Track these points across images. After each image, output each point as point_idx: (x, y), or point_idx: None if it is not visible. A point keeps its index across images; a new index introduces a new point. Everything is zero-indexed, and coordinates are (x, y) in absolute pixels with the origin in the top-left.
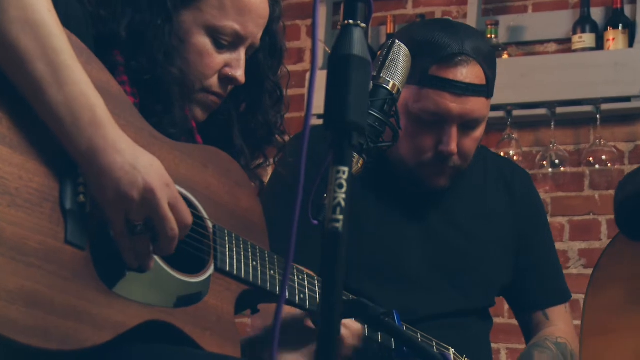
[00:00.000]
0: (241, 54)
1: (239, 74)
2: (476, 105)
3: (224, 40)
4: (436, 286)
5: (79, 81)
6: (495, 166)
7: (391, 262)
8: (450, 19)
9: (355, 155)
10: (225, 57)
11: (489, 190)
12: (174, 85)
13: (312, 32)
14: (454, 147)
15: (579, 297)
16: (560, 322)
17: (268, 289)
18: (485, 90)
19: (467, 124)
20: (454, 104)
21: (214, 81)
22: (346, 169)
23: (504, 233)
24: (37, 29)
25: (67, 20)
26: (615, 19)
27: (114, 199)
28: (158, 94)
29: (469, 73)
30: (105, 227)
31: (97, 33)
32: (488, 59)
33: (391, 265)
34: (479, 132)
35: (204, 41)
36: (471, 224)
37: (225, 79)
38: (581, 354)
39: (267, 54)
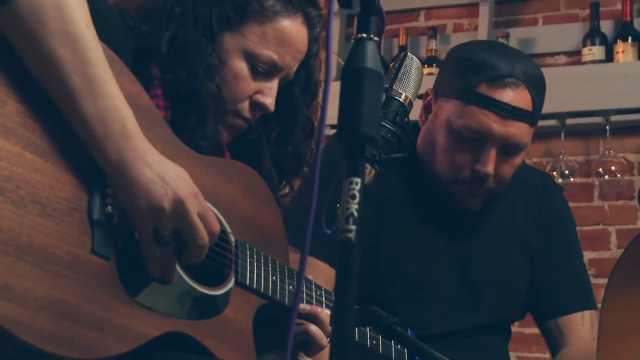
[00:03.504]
0: (274, 83)
1: (269, 102)
2: (518, 130)
3: (260, 68)
4: (461, 301)
5: (111, 94)
6: (529, 179)
7: (421, 275)
8: (505, 42)
9: (368, 166)
10: (259, 84)
11: (520, 206)
12: (210, 99)
13: (326, 45)
14: (490, 168)
15: None
16: (575, 340)
17: (286, 303)
18: (530, 116)
19: (507, 148)
20: (497, 125)
21: (244, 106)
22: (359, 180)
23: (533, 247)
24: (75, 42)
25: (105, 32)
26: (624, 31)
27: (146, 210)
28: (193, 107)
29: (516, 96)
30: (131, 238)
31: (136, 46)
32: (538, 87)
33: (421, 278)
34: (518, 158)
35: (241, 65)
36: (501, 239)
37: (256, 106)
38: (598, 354)
39: (302, 88)
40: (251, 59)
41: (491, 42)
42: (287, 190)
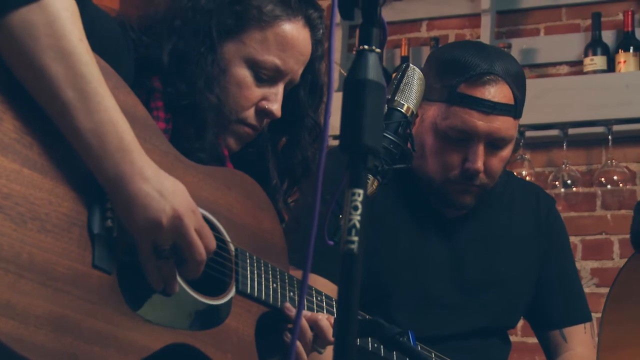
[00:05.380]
0: (279, 88)
1: (275, 108)
2: (503, 125)
3: (263, 74)
4: (460, 306)
5: (107, 108)
6: (523, 191)
7: (418, 281)
8: (482, 41)
9: (370, 177)
10: (264, 90)
11: (515, 214)
12: (210, 111)
13: (328, 56)
14: (480, 165)
15: (592, 315)
16: (578, 346)
17: None
18: (513, 110)
19: (493, 143)
20: (481, 122)
21: (250, 113)
22: (361, 191)
23: (529, 255)
24: (68, 57)
25: (103, 44)
26: (626, 41)
27: (143, 225)
28: (193, 119)
29: (497, 92)
30: (132, 252)
31: (138, 57)
32: (517, 80)
33: (418, 284)
34: (506, 152)
35: (244, 73)
36: (497, 245)
37: (262, 112)
38: None
39: (308, 92)
40: (254, 65)
41: (469, 42)
42: (297, 195)
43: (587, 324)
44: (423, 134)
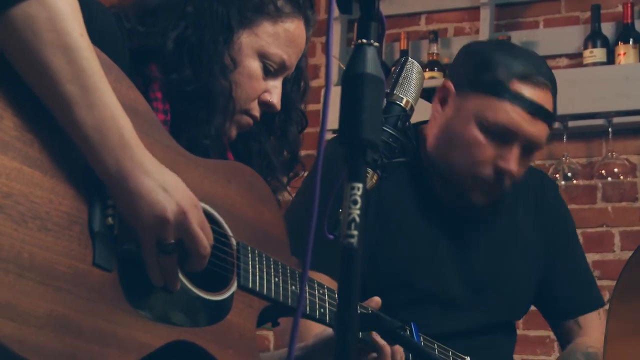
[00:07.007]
0: (279, 82)
1: (276, 100)
2: (542, 131)
3: (271, 67)
4: (467, 302)
5: (108, 103)
6: (527, 178)
7: (424, 277)
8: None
9: (370, 171)
10: (268, 83)
11: (519, 204)
12: (221, 97)
13: (326, 50)
14: (514, 165)
15: None
16: (593, 331)
17: (289, 304)
18: (552, 118)
19: (528, 147)
20: (525, 123)
21: (255, 104)
22: (360, 185)
23: (533, 246)
24: (70, 52)
25: (100, 37)
26: (625, 33)
27: (149, 221)
28: (200, 105)
29: (544, 96)
30: (133, 249)
31: (134, 47)
32: (555, 91)
33: (424, 280)
34: (532, 159)
35: (255, 65)
36: (501, 239)
37: (264, 104)
38: (605, 356)
39: (294, 86)
40: (264, 58)
41: (505, 42)
42: (276, 182)
43: (601, 310)
44: (459, 124)
